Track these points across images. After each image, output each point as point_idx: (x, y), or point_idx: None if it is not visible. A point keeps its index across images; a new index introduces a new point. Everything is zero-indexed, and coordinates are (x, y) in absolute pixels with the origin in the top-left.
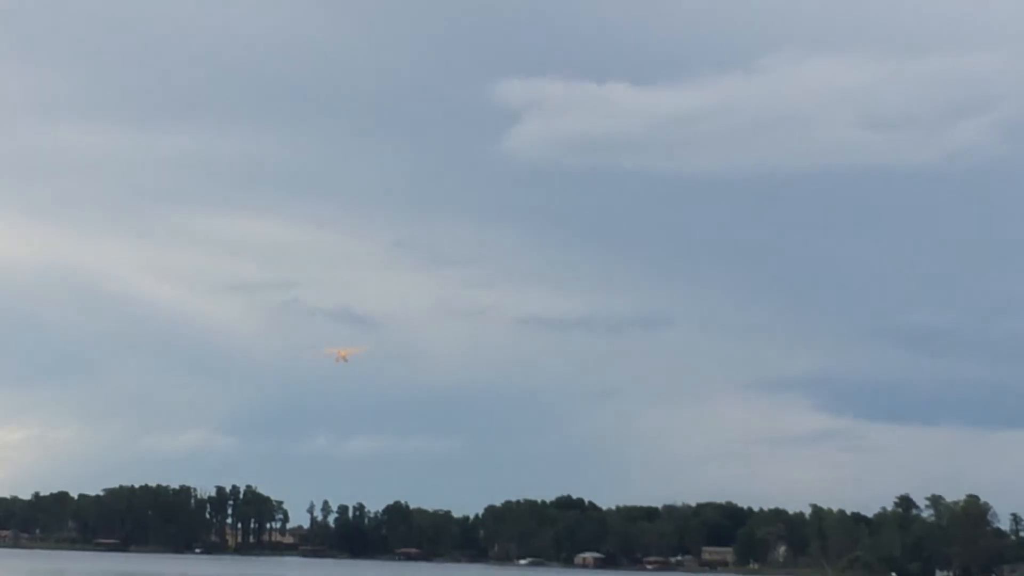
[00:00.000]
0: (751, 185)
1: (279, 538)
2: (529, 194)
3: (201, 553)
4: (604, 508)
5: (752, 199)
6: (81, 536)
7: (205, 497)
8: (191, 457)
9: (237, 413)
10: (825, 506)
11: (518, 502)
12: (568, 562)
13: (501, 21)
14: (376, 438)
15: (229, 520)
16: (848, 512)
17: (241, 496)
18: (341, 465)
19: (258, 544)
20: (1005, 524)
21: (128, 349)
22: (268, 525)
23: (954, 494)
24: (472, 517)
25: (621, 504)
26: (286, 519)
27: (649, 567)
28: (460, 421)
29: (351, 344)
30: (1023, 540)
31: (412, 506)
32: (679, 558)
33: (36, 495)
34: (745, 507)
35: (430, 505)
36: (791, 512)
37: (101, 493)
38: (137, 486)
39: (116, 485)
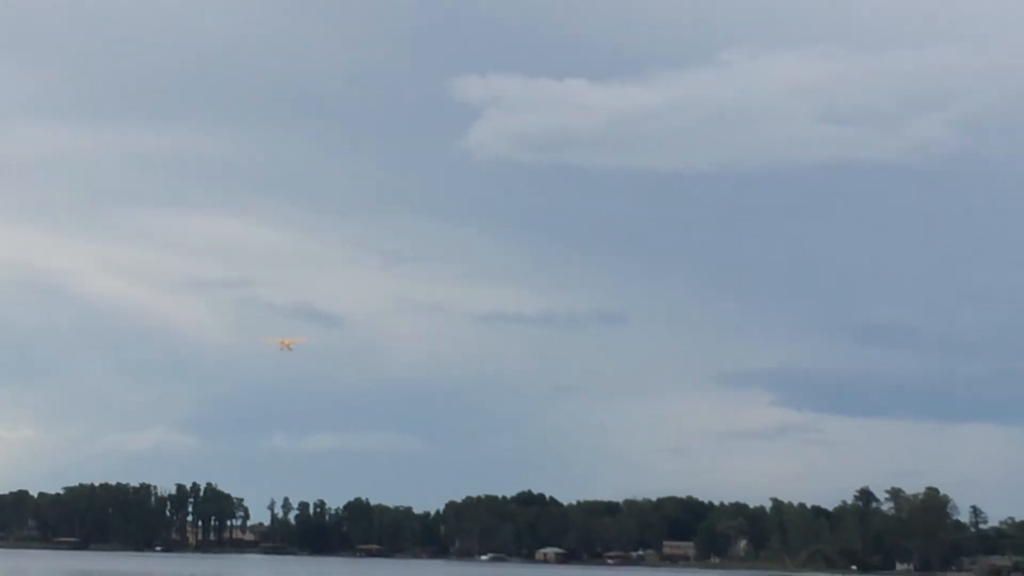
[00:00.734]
0: (711, 180)
1: (240, 535)
2: (489, 191)
3: (162, 551)
4: (565, 503)
5: (712, 194)
6: (41, 535)
7: (165, 495)
8: (151, 455)
9: (197, 411)
10: (785, 500)
11: (479, 498)
12: (529, 557)
13: (460, 18)
14: (336, 435)
15: (190, 518)
16: (808, 506)
17: (202, 494)
18: (301, 462)
19: (219, 542)
20: (964, 517)
21: (87, 347)
22: (229, 523)
23: (914, 487)
24: (433, 513)
25: (582, 499)
26: (247, 516)
27: (610, 562)
28: (420, 417)
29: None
30: (983, 533)
31: (373, 503)
32: (640, 553)
33: None
34: (706, 501)
35: (391, 501)
36: (752, 506)
37: (61, 492)
38: (97, 484)
39: (76, 484)
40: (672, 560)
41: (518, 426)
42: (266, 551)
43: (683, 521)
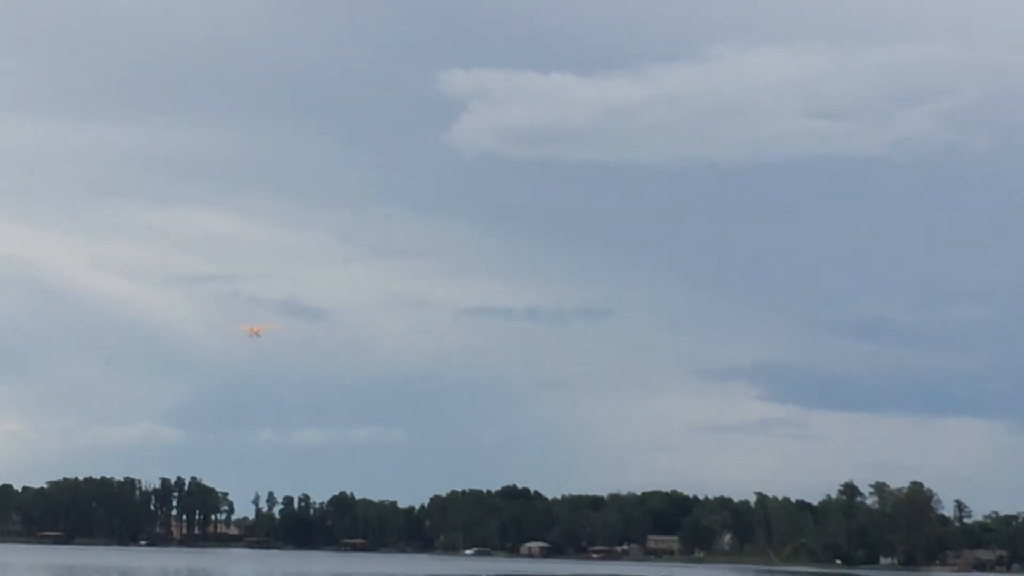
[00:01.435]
0: (697, 175)
1: (224, 530)
2: (474, 185)
3: (146, 545)
4: (549, 498)
5: (698, 189)
6: (25, 529)
7: (150, 489)
8: (135, 449)
9: (181, 405)
10: (770, 494)
11: (463, 492)
12: (514, 552)
13: (445, 11)
14: (321, 429)
15: (174, 512)
16: (793, 500)
17: (186, 488)
18: (286, 456)
19: (203, 536)
20: (949, 511)
21: (72, 342)
22: (213, 517)
23: (898, 481)
24: (417, 507)
25: (566, 493)
26: (231, 511)
27: (595, 556)
28: (405, 412)
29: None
30: (967, 527)
31: (357, 497)
32: (625, 547)
33: None
34: (690, 495)
35: (375, 496)
36: (736, 500)
37: (45, 486)
38: (81, 478)
39: (60, 478)
40: (657, 554)
41: (503, 420)
42: (251, 545)
43: (668, 515)
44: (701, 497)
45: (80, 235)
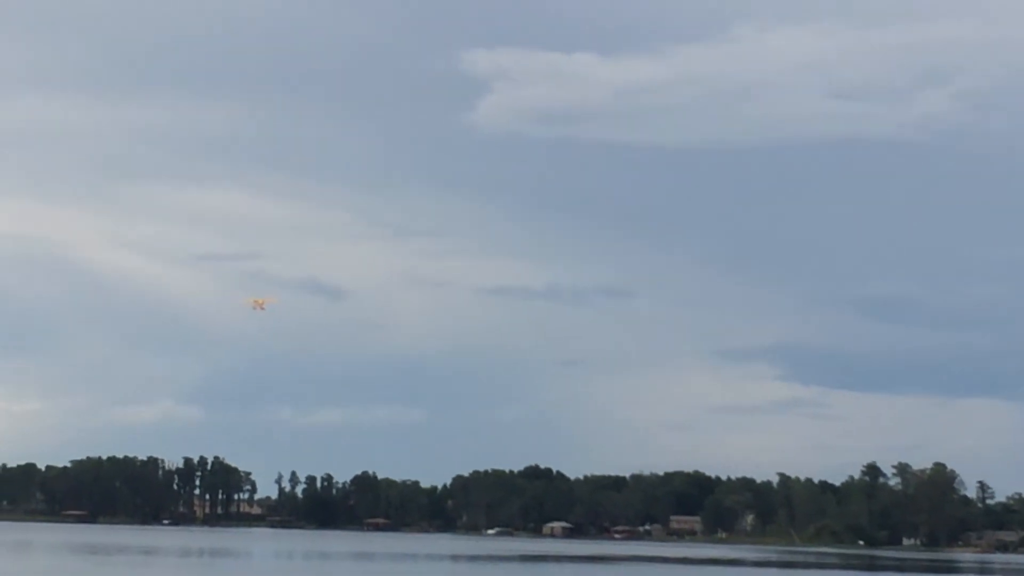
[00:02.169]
0: (719, 155)
1: (247, 509)
2: (495, 165)
3: (169, 524)
4: (572, 478)
5: (719, 169)
6: (49, 508)
7: (173, 468)
8: (158, 428)
9: (204, 384)
10: (792, 475)
11: (486, 472)
12: (536, 532)
13: None
14: (344, 408)
15: (197, 491)
16: (815, 480)
17: (209, 467)
18: (309, 436)
19: (226, 515)
20: (971, 492)
21: (95, 321)
22: (236, 496)
23: (921, 462)
24: (440, 487)
25: (589, 474)
26: (254, 490)
27: (617, 536)
28: (427, 391)
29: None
30: (989, 508)
31: (380, 476)
32: (647, 527)
33: (3, 467)
34: (713, 476)
35: (398, 475)
36: (758, 481)
37: (68, 465)
38: (105, 457)
39: (83, 457)
40: (679, 534)
41: (525, 400)
42: (273, 525)
43: (690, 496)
44: (723, 478)
45: (103, 214)
